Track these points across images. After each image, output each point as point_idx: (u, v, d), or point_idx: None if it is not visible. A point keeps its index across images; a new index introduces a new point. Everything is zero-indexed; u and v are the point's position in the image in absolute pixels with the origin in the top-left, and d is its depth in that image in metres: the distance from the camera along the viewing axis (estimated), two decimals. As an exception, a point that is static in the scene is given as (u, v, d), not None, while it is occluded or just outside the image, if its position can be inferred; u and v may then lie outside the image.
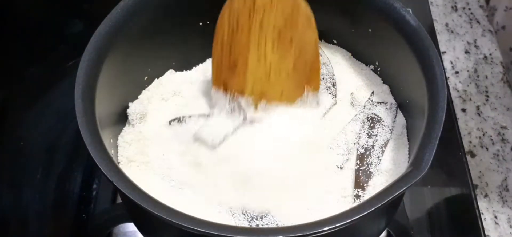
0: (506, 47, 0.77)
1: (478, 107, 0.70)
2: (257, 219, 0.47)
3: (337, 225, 0.38)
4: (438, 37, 0.77)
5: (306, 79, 0.52)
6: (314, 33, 0.50)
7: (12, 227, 0.61)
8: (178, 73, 0.58)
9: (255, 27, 0.49)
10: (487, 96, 0.71)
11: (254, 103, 0.51)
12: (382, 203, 0.38)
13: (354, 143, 0.52)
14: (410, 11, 0.50)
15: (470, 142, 0.67)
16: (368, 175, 0.50)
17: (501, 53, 0.75)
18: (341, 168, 0.50)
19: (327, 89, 0.55)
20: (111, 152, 0.45)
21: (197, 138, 0.51)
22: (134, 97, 0.55)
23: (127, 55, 0.51)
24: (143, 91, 0.56)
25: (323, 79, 0.55)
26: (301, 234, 0.37)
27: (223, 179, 0.49)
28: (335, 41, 0.59)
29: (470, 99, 0.71)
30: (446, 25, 0.80)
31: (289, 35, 0.50)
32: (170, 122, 0.53)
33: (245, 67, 0.50)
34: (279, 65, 0.51)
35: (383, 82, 0.56)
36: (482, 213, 0.61)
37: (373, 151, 0.51)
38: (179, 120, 0.52)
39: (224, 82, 0.51)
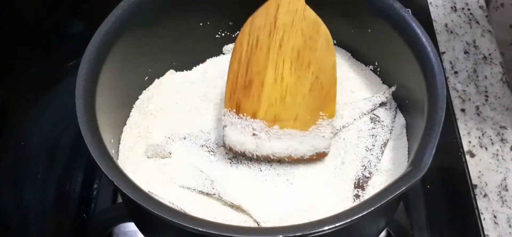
0: (506, 25, 0.76)
1: (477, 107, 0.71)
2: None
3: (337, 224, 0.38)
4: (438, 38, 0.78)
5: (321, 106, 0.49)
6: (332, 57, 0.49)
7: (12, 226, 0.61)
8: (179, 73, 0.58)
9: (274, 46, 0.48)
10: (487, 96, 0.72)
11: (267, 128, 0.49)
12: (381, 203, 0.39)
13: (354, 143, 0.52)
14: (410, 12, 0.50)
15: (470, 142, 0.67)
16: (368, 175, 0.50)
17: (499, 31, 0.74)
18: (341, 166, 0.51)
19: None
20: (112, 152, 0.46)
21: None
22: (135, 97, 0.55)
23: (127, 55, 0.51)
24: (144, 91, 0.56)
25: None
26: (301, 233, 0.37)
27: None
28: (335, 41, 0.59)
29: (470, 99, 0.71)
30: (446, 25, 0.80)
31: (307, 57, 0.49)
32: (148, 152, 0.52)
33: (261, 88, 0.48)
34: (296, 88, 0.49)
35: (383, 82, 0.56)
36: (482, 213, 0.62)
37: (372, 151, 0.51)
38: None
39: (237, 102, 0.49)
